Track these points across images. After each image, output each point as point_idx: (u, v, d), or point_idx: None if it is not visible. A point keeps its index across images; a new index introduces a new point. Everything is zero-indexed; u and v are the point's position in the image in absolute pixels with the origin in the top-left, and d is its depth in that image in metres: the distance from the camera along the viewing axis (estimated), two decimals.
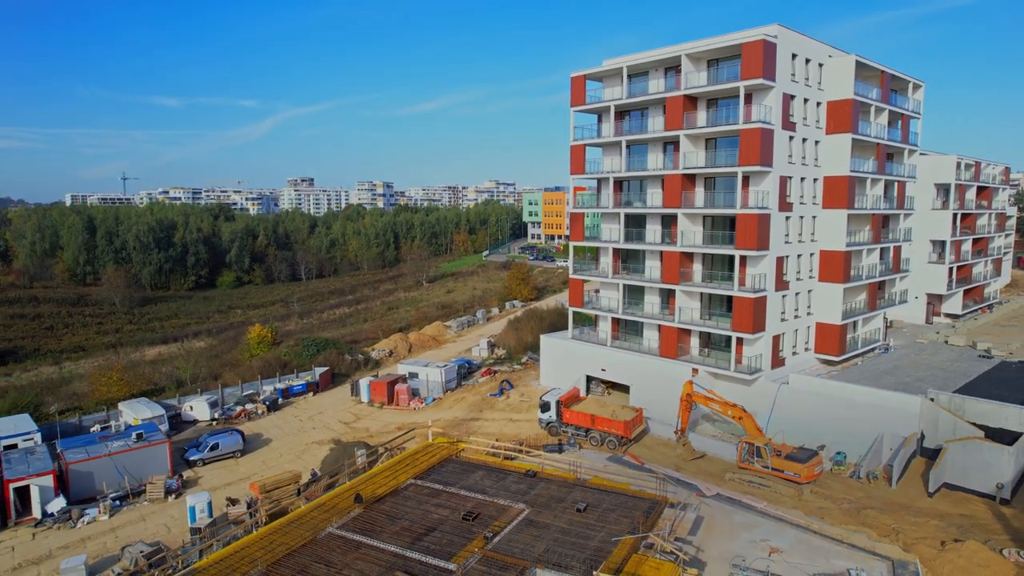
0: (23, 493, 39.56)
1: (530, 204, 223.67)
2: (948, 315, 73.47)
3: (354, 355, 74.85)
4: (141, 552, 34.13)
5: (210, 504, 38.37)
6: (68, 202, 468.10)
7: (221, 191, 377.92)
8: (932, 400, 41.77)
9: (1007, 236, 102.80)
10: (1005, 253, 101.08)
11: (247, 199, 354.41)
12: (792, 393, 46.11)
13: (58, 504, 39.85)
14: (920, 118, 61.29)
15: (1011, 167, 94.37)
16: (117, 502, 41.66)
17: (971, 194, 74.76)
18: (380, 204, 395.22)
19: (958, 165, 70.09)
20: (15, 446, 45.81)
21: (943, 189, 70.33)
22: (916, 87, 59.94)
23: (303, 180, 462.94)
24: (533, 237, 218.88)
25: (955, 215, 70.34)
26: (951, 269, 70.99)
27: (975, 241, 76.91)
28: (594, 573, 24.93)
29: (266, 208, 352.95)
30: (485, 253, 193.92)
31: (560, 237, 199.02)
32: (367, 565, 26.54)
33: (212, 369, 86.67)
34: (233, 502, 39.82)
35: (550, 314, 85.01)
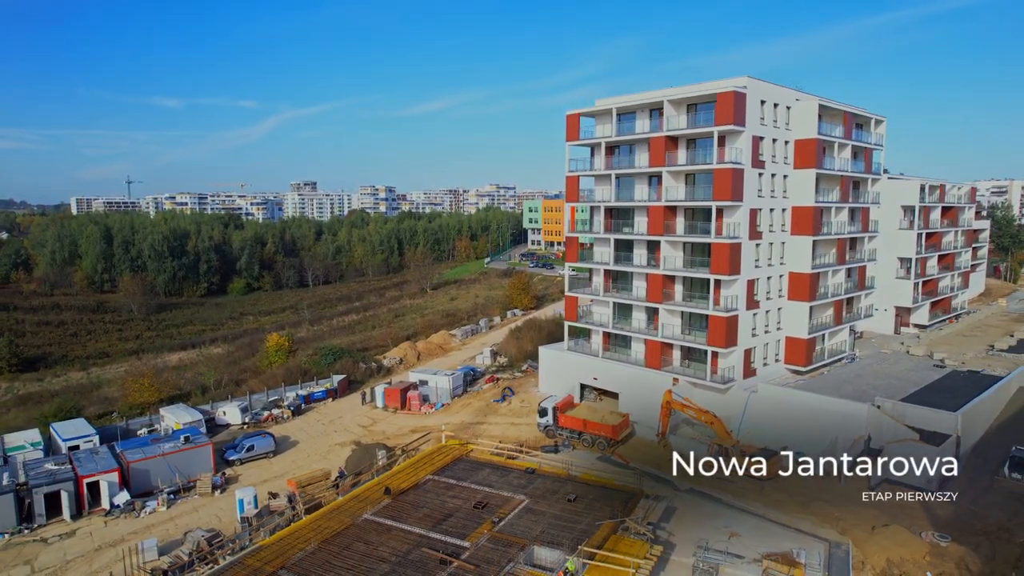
0: (93, 487, 45.89)
1: (530, 211, 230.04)
2: (916, 325, 79.79)
3: (368, 363, 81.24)
4: (203, 536, 40.55)
5: (256, 497, 44.77)
6: (73, 206, 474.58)
7: (226, 195, 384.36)
8: (879, 407, 48.13)
9: (980, 248, 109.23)
10: (976, 265, 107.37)
11: (252, 204, 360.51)
12: (760, 400, 52.42)
13: (123, 497, 46.19)
14: (883, 149, 67.70)
15: (997, 175, 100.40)
16: (172, 496, 47.98)
17: (936, 214, 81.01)
18: (382, 208, 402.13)
19: (922, 188, 76.42)
20: (78, 447, 52.16)
21: (909, 210, 76.57)
22: (878, 123, 66.32)
23: (306, 184, 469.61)
24: (533, 243, 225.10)
25: (919, 234, 76.59)
26: (916, 284, 77.30)
27: (941, 257, 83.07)
28: (579, 548, 31.32)
29: (271, 212, 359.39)
30: (487, 260, 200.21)
31: (559, 244, 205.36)
32: (398, 543, 32.95)
33: (233, 375, 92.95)
34: (274, 496, 46.21)
35: (548, 324, 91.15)
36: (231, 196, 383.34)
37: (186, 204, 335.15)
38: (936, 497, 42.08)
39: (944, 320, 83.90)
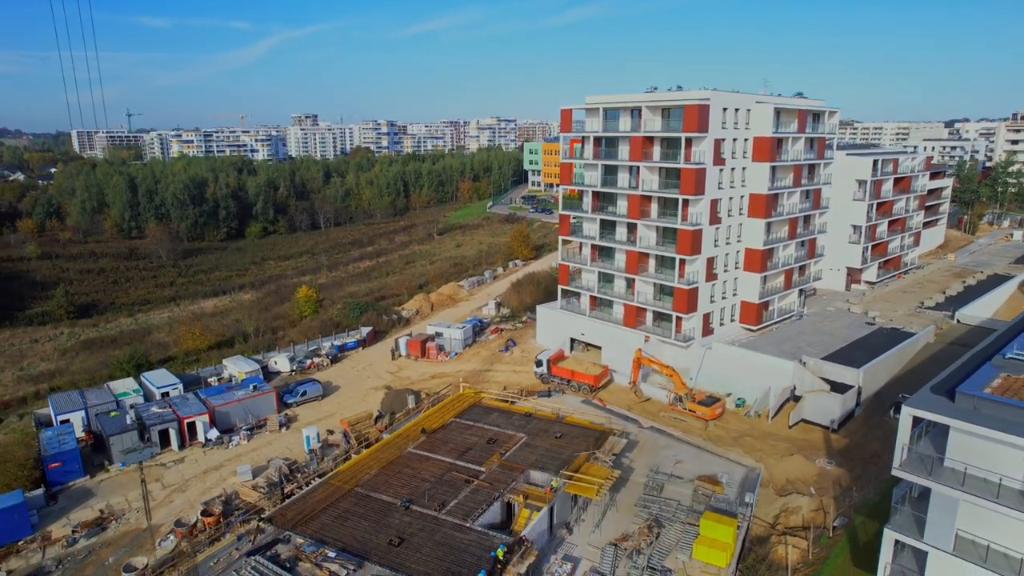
0: (191, 426, 59.23)
1: (530, 153, 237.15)
2: (867, 282, 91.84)
3: (390, 315, 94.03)
4: (282, 463, 54.20)
5: (318, 434, 58.23)
6: (74, 139, 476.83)
7: (230, 131, 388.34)
8: (803, 363, 60.94)
9: (941, 204, 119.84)
10: (937, 219, 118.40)
11: (256, 140, 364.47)
12: (714, 356, 65.19)
13: (214, 433, 59.70)
14: (835, 137, 77.89)
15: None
16: (249, 432, 61.47)
17: (889, 184, 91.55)
18: (384, 143, 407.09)
19: (875, 163, 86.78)
20: (168, 393, 65.39)
21: (863, 183, 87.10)
22: (831, 114, 76.16)
23: (307, 117, 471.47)
24: (533, 184, 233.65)
25: (870, 205, 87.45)
26: (866, 248, 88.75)
27: (892, 222, 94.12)
28: (561, 471, 44.76)
29: (275, 148, 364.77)
30: (489, 204, 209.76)
31: (558, 186, 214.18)
32: (435, 469, 46.44)
33: (266, 321, 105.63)
34: (331, 432, 59.76)
35: (545, 278, 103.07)
36: (235, 131, 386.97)
37: (192, 142, 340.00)
38: (837, 432, 55.66)
39: (893, 276, 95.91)
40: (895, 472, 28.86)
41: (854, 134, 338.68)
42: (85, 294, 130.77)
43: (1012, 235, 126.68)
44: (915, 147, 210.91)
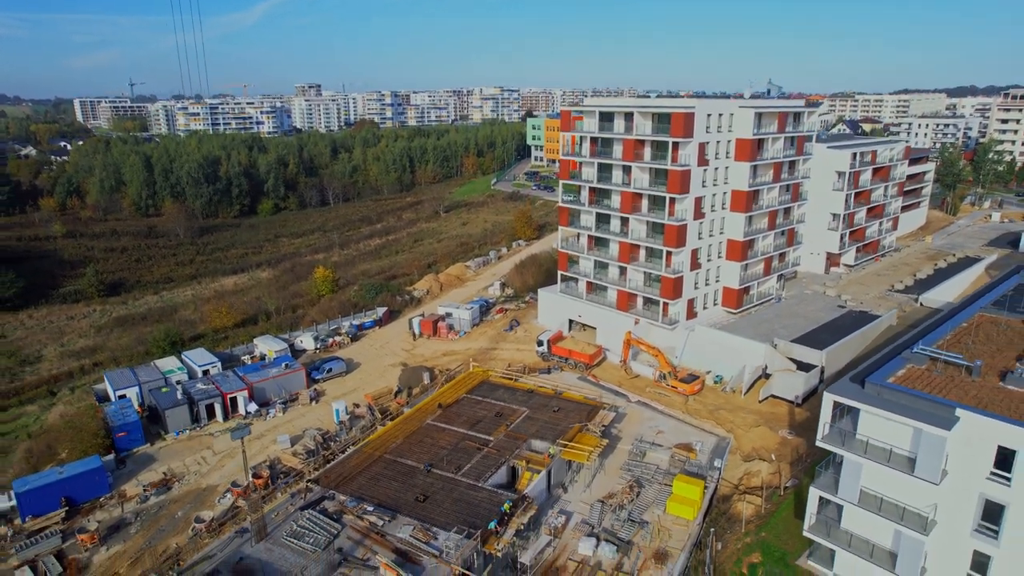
0: (232, 400, 67.29)
1: (533, 128, 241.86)
2: (845, 265, 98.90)
3: (403, 296, 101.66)
4: (316, 433, 62.38)
5: (346, 407, 66.27)
6: (77, 108, 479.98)
7: (235, 102, 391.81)
8: (775, 345, 68.56)
9: (924, 188, 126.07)
10: (919, 202, 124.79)
11: (262, 112, 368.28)
12: (696, 337, 72.82)
13: (253, 407, 67.78)
14: (814, 134, 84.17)
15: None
16: (283, 405, 69.56)
17: (867, 174, 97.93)
18: (388, 114, 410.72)
19: (854, 155, 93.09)
20: (208, 371, 73.34)
21: (842, 175, 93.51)
22: (810, 114, 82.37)
23: (310, 86, 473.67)
24: (536, 160, 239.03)
25: (848, 195, 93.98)
26: (843, 234, 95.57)
27: (870, 209, 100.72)
28: (557, 440, 52.87)
29: (280, 120, 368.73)
30: (493, 181, 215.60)
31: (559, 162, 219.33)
32: (451, 438, 54.56)
33: (285, 299, 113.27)
34: (356, 406, 67.80)
35: (546, 260, 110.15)
36: (239, 103, 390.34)
37: (198, 115, 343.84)
38: (800, 406, 63.53)
39: (870, 259, 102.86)
40: (818, 443, 36.62)
41: (855, 106, 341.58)
42: (111, 272, 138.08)
43: (991, 216, 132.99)
44: (909, 124, 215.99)
